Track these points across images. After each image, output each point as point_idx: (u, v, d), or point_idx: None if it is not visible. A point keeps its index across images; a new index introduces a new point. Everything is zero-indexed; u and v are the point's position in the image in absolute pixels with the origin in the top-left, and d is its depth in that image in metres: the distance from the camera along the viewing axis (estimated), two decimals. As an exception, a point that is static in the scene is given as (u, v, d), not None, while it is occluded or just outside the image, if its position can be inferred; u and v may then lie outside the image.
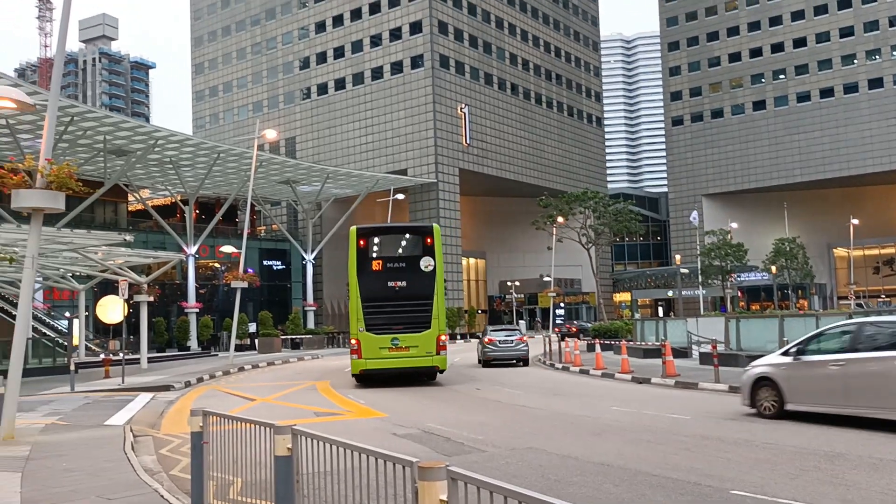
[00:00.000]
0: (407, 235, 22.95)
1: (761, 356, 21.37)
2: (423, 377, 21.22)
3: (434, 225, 21.99)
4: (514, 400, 16.57)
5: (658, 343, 26.68)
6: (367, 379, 20.80)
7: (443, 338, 20.63)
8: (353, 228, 21.22)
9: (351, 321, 20.97)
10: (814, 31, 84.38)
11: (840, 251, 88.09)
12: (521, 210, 77.24)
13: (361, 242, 20.92)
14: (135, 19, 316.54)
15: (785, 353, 12.65)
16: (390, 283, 20.61)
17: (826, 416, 11.57)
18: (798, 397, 11.96)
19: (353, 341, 20.64)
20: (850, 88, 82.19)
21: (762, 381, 12.67)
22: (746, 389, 12.97)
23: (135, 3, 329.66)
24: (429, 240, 21.13)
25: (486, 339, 28.22)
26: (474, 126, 70.28)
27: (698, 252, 69.47)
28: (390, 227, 27.01)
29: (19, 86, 32.59)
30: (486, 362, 27.95)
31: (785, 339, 19.72)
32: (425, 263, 20.69)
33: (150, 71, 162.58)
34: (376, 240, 21.59)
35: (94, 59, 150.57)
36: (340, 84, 72.63)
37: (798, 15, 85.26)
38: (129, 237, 28.52)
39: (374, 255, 21.05)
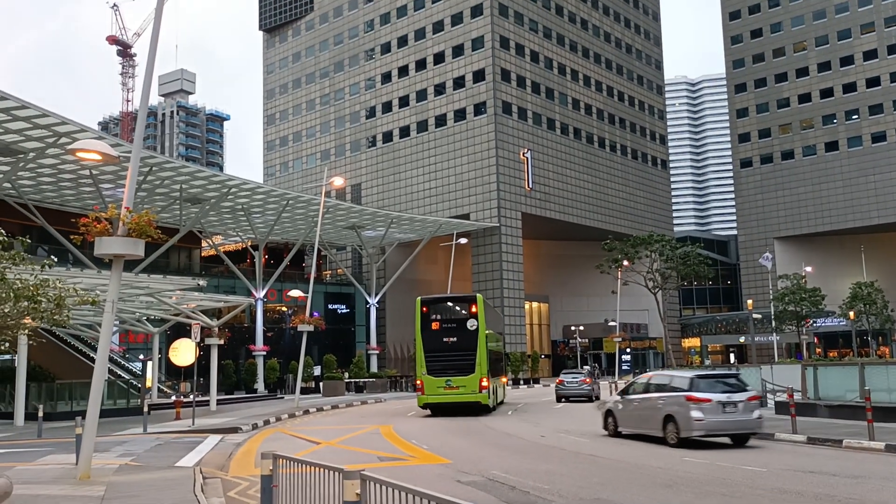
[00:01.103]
0: (457, 304, 29.62)
1: (841, 406, 20.34)
2: (473, 411, 27.06)
3: (478, 295, 29.05)
4: (580, 448, 16.20)
5: (730, 391, 25.75)
6: (431, 408, 27.76)
7: (484, 381, 26.91)
8: (418, 299, 28.59)
9: (417, 366, 28.06)
10: (888, 70, 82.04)
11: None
12: (584, 254, 76.48)
13: (424, 309, 28.10)
14: (211, 74, 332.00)
15: (620, 394, 18.92)
16: (445, 339, 27.59)
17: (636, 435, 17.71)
18: (623, 424, 18.30)
19: (418, 382, 27.79)
20: (930, 127, 79.18)
21: (608, 413, 18.84)
22: (600, 419, 19.24)
23: (212, 58, 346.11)
24: (473, 307, 27.94)
25: (557, 380, 36.72)
26: (537, 170, 70.45)
27: (771, 297, 67.17)
28: (445, 297, 33.36)
29: (103, 138, 34.42)
30: (559, 398, 35.26)
31: (866, 387, 18.79)
32: (470, 325, 27.58)
33: (225, 122, 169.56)
34: (435, 308, 28.67)
35: (171, 112, 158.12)
36: (405, 132, 74.14)
37: (871, 54, 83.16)
38: (202, 282, 29.46)
39: (433, 318, 28.03)
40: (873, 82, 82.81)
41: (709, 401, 15.97)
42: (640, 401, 17.77)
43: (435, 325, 28.05)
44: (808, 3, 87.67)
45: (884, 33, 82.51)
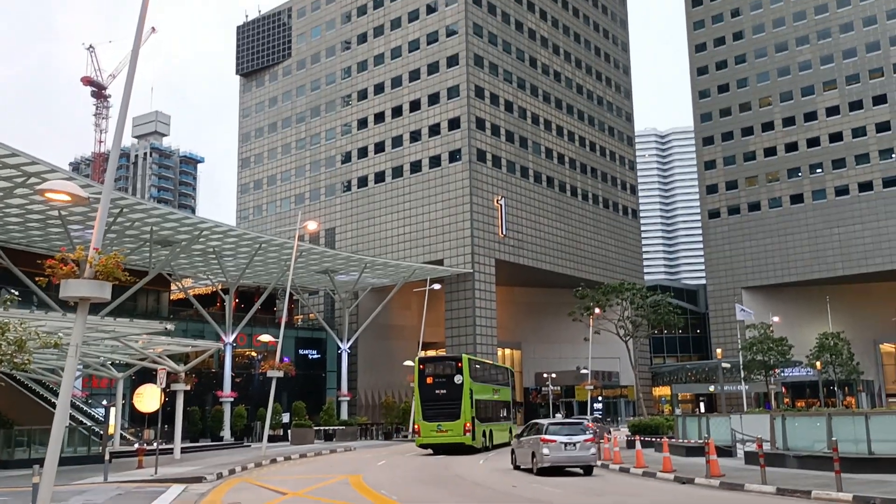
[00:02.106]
0: (446, 362, 36.96)
1: (809, 457, 20.49)
2: (461, 450, 33.29)
3: (464, 355, 36.64)
4: (552, 498, 16.04)
5: (701, 441, 25.80)
6: (426, 447, 34.80)
7: (468, 425, 33.15)
8: (417, 358, 37.72)
9: (414, 414, 37.52)
10: (850, 126, 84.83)
11: (887, 347, 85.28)
12: (557, 301, 76.81)
13: (421, 366, 35.76)
14: (186, 116, 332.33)
15: (516, 437, 24.37)
16: (436, 391, 34.50)
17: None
18: (518, 461, 23.57)
19: (416, 426, 35.56)
20: (890, 182, 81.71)
21: (512, 451, 24.68)
22: (508, 457, 24.33)
23: (188, 101, 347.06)
24: (459, 364, 34.90)
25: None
26: (510, 217, 71.10)
27: (740, 346, 67.90)
28: (437, 357, 44.14)
29: (73, 179, 34.14)
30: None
31: (834, 438, 18.94)
32: (457, 379, 34.30)
33: (199, 165, 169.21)
34: (429, 366, 36.25)
35: (145, 154, 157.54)
36: (380, 177, 74.58)
37: (833, 111, 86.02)
38: (170, 326, 28.99)
39: (427, 374, 35.26)
40: (836, 137, 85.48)
41: (554, 441, 21.84)
42: (524, 442, 23.79)
43: (429, 380, 35.15)
44: (773, 61, 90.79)
45: (845, 91, 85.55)
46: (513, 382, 46.69)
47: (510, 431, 39.56)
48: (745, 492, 17.17)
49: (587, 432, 22.46)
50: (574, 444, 21.71)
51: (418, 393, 35.11)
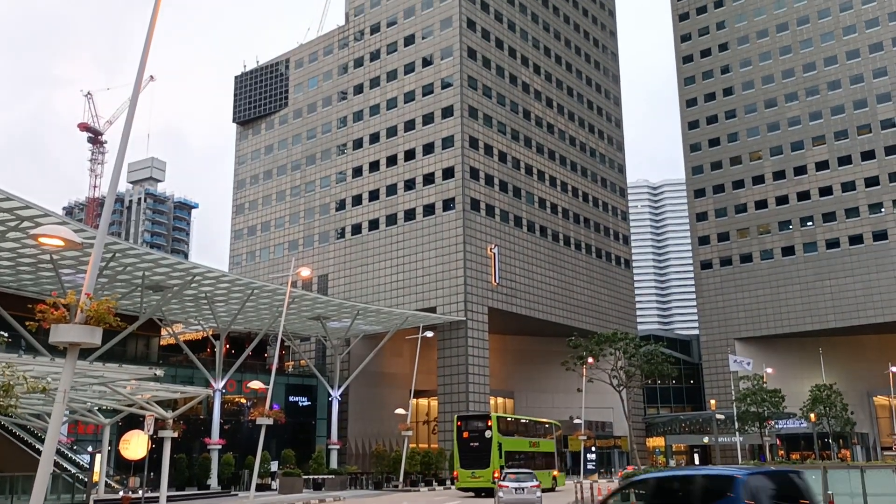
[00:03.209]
0: (479, 420, 43.87)
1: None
2: (493, 493, 36.06)
3: (493, 414, 45.48)
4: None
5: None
6: (464, 490, 41.58)
7: (496, 472, 38.38)
8: (456, 416, 45.74)
9: (455, 462, 43.12)
10: (839, 180, 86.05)
11: (881, 399, 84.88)
12: (550, 350, 76.52)
13: (459, 423, 43.39)
14: (182, 163, 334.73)
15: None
16: (471, 444, 41.70)
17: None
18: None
19: (455, 473, 42.64)
20: (880, 236, 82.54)
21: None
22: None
23: (184, 147, 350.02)
24: (489, 422, 42.21)
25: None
26: (503, 266, 71.30)
27: (734, 397, 67.53)
28: (471, 415, 49.40)
29: (67, 223, 34.23)
30: None
31: (830, 491, 18.79)
32: (487, 434, 41.43)
33: (193, 210, 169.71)
34: (465, 423, 43.64)
35: (139, 199, 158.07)
36: (374, 224, 74.95)
37: (822, 165, 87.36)
38: (159, 372, 28.76)
39: (464, 429, 42.82)
40: (826, 191, 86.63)
41: (507, 487, 29.54)
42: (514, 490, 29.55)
43: (465, 434, 42.47)
44: (763, 116, 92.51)
45: (834, 146, 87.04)
46: (558, 435, 52.85)
47: (552, 478, 46.18)
48: None
49: (534, 480, 30.37)
50: (523, 489, 29.30)
51: (457, 445, 43.06)
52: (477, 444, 41.39)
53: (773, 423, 68.55)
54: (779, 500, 10.36)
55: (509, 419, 47.53)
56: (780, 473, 12.37)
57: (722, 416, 70.35)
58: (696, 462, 79.55)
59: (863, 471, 20.19)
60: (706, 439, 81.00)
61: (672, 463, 76.29)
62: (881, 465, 37.26)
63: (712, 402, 72.16)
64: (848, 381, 78.36)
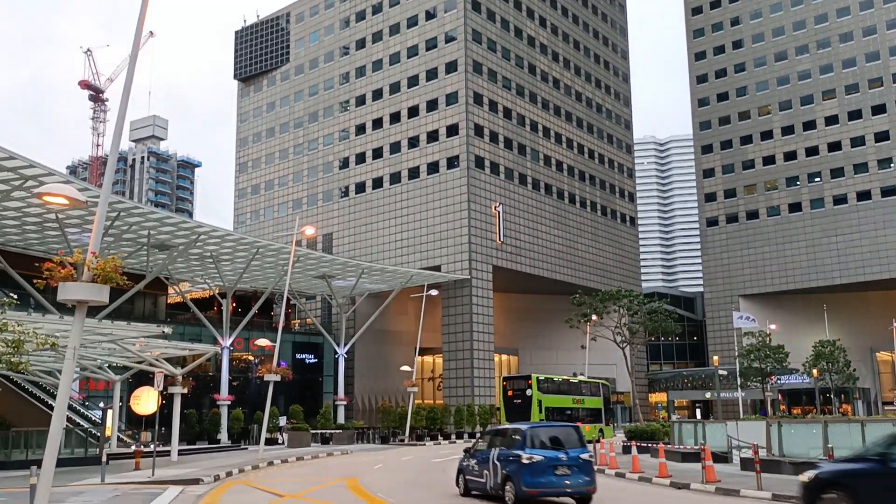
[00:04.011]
0: (520, 380, 49.74)
1: (805, 464, 20.65)
2: None
3: (533, 375, 49.41)
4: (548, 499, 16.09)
5: (697, 447, 25.86)
6: None
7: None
8: (502, 377, 53.34)
9: (500, 416, 48.92)
10: (848, 135, 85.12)
11: (883, 355, 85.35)
12: (554, 308, 76.89)
13: (504, 383, 49.57)
14: (184, 121, 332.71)
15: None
16: (514, 401, 47.15)
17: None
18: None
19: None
20: (888, 191, 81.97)
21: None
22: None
23: (186, 105, 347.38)
24: (529, 382, 47.85)
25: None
26: (508, 224, 71.19)
27: (736, 354, 67.96)
28: (514, 376, 55.06)
29: (71, 182, 34.18)
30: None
31: (830, 445, 19.00)
32: (528, 392, 46.90)
33: (196, 169, 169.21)
34: (509, 382, 49.61)
35: (142, 158, 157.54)
36: (378, 183, 74.68)
37: (832, 120, 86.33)
38: (167, 329, 29.01)
39: (508, 388, 48.65)
40: (835, 146, 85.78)
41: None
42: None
43: (510, 393, 48.05)
44: (773, 70, 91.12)
45: (844, 100, 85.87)
46: (605, 393, 56.21)
47: (599, 431, 48.78)
48: (740, 497, 17.23)
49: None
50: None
51: (502, 402, 48.89)
52: (519, 401, 47.24)
53: (775, 378, 69.10)
54: (552, 445, 15.75)
55: (549, 379, 51.45)
56: (556, 426, 18.16)
57: (724, 372, 70.97)
58: (698, 416, 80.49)
59: (863, 425, 20.38)
60: (708, 394, 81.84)
61: (674, 417, 77.15)
62: (882, 419, 37.65)
63: (715, 358, 72.75)
64: (851, 337, 78.69)
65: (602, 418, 53.10)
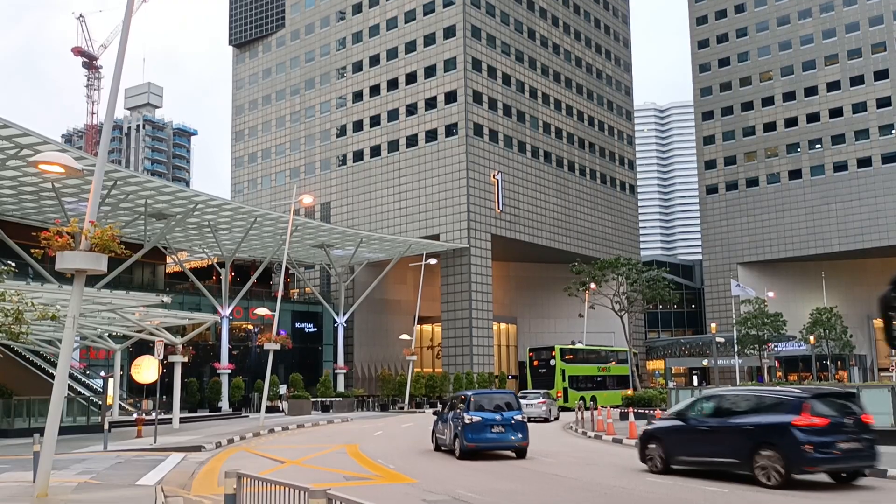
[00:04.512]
0: (544, 351, 54.69)
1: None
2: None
3: (557, 346, 54.41)
4: (546, 468, 16.22)
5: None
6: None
7: (559, 393, 49.28)
8: (528, 348, 57.63)
9: (528, 384, 53.08)
10: (850, 101, 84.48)
11: (880, 322, 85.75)
12: (553, 276, 77.00)
13: (530, 353, 55.49)
14: (179, 88, 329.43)
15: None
16: (539, 370, 52.88)
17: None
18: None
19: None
20: (889, 158, 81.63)
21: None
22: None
23: (180, 72, 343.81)
24: (553, 352, 53.20)
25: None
26: (507, 192, 70.94)
27: (734, 321, 68.22)
28: (540, 347, 57.16)
29: (67, 151, 33.90)
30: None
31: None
32: (552, 362, 52.19)
33: (192, 137, 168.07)
34: (535, 353, 55.24)
35: (138, 126, 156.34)
36: (376, 151, 74.22)
37: (834, 86, 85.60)
38: (166, 298, 29.00)
39: (534, 358, 54.38)
40: (836, 113, 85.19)
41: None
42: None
43: (535, 363, 53.67)
44: (775, 34, 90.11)
45: (847, 65, 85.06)
46: (634, 361, 59.69)
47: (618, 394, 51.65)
48: (888, 478, 17.25)
49: (540, 398, 37.74)
50: (531, 405, 35.91)
51: (529, 371, 53.85)
52: (544, 370, 52.29)
53: (772, 345, 69.53)
54: (491, 409, 18.65)
55: (572, 349, 55.79)
56: (496, 393, 20.78)
57: (722, 340, 71.30)
58: (695, 383, 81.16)
59: (859, 391, 20.50)
60: (705, 362, 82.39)
61: (671, 384, 77.78)
62: (877, 385, 37.95)
63: (713, 325, 73.04)
64: (849, 305, 79.01)
65: (630, 384, 56.46)
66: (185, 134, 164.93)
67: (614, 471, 15.69)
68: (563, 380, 51.49)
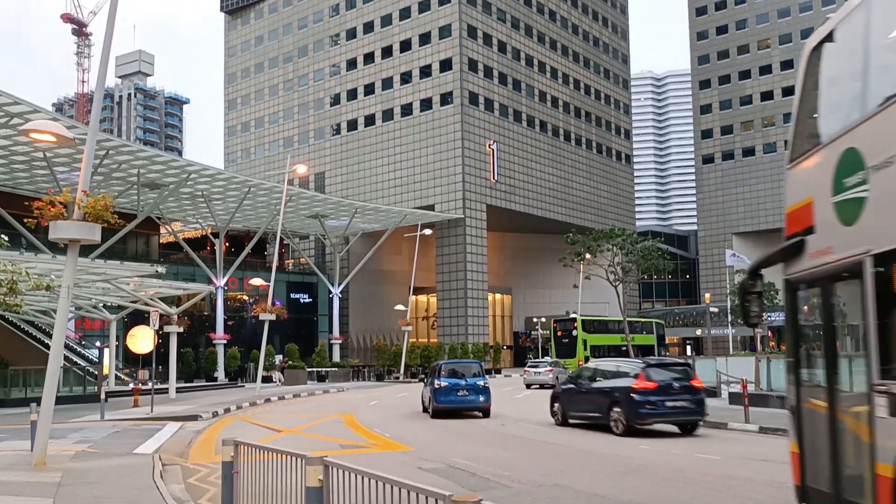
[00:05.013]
0: (567, 322, 57.17)
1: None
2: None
3: (579, 317, 56.99)
4: (540, 436, 16.39)
5: (687, 382, 26.23)
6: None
7: (580, 361, 45.86)
8: (553, 320, 59.93)
9: (552, 354, 55.33)
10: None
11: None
12: (548, 246, 77.05)
13: (554, 324, 58.38)
14: (171, 56, 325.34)
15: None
16: (563, 340, 55.87)
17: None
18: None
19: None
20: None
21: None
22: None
23: (171, 40, 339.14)
24: (575, 324, 55.99)
25: (524, 370, 39.92)
26: (502, 162, 70.66)
27: (728, 291, 68.51)
28: (562, 318, 59.45)
29: (58, 120, 33.55)
30: (527, 385, 38.75)
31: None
32: (574, 333, 55.30)
33: (184, 106, 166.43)
34: (559, 324, 57.83)
35: (129, 94, 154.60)
36: (370, 120, 73.68)
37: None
38: (160, 269, 28.95)
39: (558, 329, 57.38)
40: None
41: (529, 371, 38.98)
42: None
43: (559, 333, 56.63)
44: (773, 1, 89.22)
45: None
46: (660, 331, 63.19)
47: None
48: (728, 430, 17.58)
49: (548, 367, 38.47)
50: (539, 372, 37.92)
51: (553, 341, 56.94)
52: (566, 340, 55.21)
53: (766, 315, 69.93)
54: (457, 375, 21.56)
55: (595, 320, 58.97)
56: (463, 362, 24.73)
57: (716, 310, 71.65)
58: (688, 353, 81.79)
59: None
60: (699, 332, 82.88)
61: (665, 354, 78.40)
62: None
63: (707, 295, 73.35)
64: (841, 274, 79.28)
65: (655, 353, 59.42)
66: (177, 102, 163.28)
67: (537, 426, 18.85)
68: (585, 349, 53.75)
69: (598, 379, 18.01)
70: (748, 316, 7.64)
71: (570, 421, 18.28)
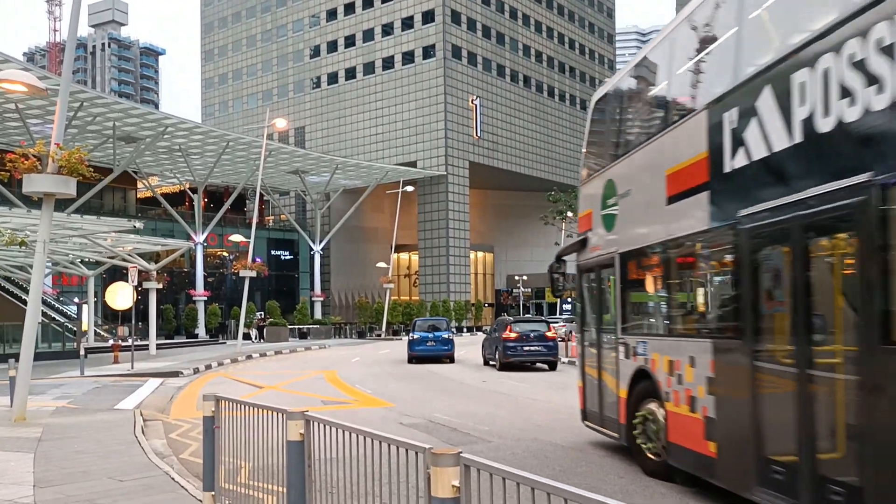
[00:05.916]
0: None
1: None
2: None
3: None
4: (520, 392, 16.59)
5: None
6: None
7: None
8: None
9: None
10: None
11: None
12: (530, 204, 77.08)
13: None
14: (145, 4, 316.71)
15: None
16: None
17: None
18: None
19: None
20: None
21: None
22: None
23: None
24: None
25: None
26: (485, 118, 70.12)
27: (707, 249, 69.19)
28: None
29: (29, 70, 32.65)
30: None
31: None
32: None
33: (160, 57, 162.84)
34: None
35: (103, 45, 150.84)
36: (351, 74, 72.56)
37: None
38: (138, 224, 28.64)
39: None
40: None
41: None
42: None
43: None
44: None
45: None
46: None
47: None
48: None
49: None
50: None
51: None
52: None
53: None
54: (429, 329, 26.69)
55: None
56: (435, 319, 29.15)
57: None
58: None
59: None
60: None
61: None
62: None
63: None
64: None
65: None
66: (152, 53, 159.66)
67: (477, 370, 23.40)
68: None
69: (496, 332, 24.19)
70: (555, 290, 10.66)
71: (491, 363, 24.18)
